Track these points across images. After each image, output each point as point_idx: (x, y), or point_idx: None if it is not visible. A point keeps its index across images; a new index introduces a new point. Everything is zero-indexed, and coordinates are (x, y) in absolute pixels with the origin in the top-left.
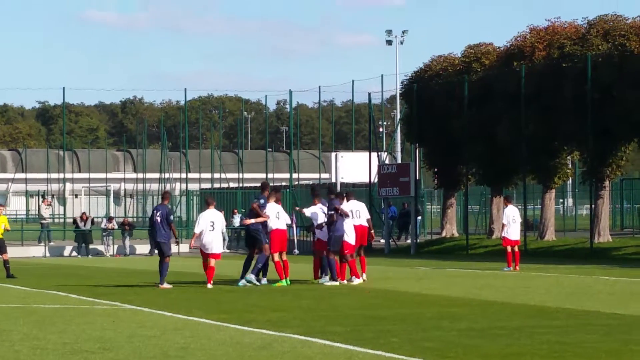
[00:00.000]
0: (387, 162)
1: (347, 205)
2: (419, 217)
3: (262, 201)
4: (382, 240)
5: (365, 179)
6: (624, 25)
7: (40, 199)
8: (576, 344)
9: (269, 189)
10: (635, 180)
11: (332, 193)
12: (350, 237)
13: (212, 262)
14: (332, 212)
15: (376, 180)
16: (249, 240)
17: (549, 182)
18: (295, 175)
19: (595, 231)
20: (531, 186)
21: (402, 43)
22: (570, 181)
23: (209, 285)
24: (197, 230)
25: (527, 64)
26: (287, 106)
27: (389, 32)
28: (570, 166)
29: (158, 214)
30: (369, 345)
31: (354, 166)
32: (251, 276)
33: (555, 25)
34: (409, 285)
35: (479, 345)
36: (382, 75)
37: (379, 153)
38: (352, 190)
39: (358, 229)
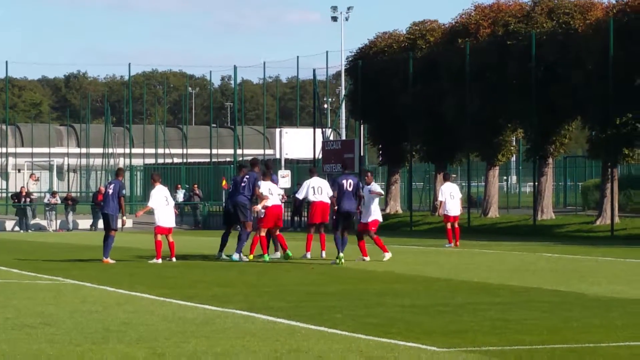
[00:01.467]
0: (331, 138)
1: (310, 182)
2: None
3: (259, 183)
4: None
5: (310, 155)
6: (568, 3)
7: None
8: (518, 320)
9: (259, 165)
10: (579, 158)
11: (345, 168)
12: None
13: (171, 236)
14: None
15: (320, 156)
16: (229, 217)
17: (492, 159)
18: (239, 151)
19: (538, 208)
20: (475, 163)
21: (347, 19)
22: (514, 158)
23: (174, 259)
24: (152, 205)
25: (471, 41)
26: (232, 82)
27: (334, 8)
28: (514, 143)
29: (111, 186)
30: (312, 321)
31: (299, 142)
32: (237, 255)
33: (500, 3)
34: (352, 262)
35: (421, 321)
36: (327, 52)
37: (324, 129)
38: (314, 167)
39: (319, 205)
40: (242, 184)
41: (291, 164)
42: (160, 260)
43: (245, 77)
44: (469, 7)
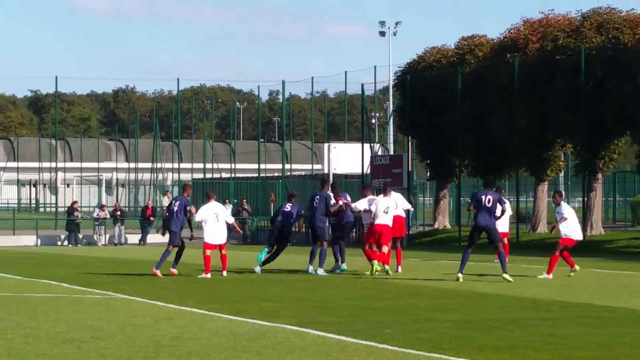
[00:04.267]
0: (379, 153)
1: (389, 198)
2: (411, 209)
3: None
4: None
5: (358, 170)
6: (618, 18)
7: (162, 193)
8: (569, 336)
9: (327, 184)
10: (628, 173)
11: (487, 186)
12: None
13: (224, 250)
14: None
15: (369, 171)
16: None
17: (541, 174)
18: (287, 166)
19: (587, 224)
20: (524, 178)
21: (395, 34)
22: (562, 174)
23: (224, 273)
24: (199, 218)
25: (520, 56)
26: (280, 97)
27: (382, 23)
28: (562, 159)
29: (176, 204)
30: (362, 336)
31: (347, 157)
32: (321, 270)
33: (549, 18)
34: (401, 276)
35: (472, 337)
36: (375, 67)
37: (372, 144)
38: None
39: (395, 219)
40: (314, 204)
41: (339, 178)
42: (209, 275)
43: (292, 92)
44: (518, 22)
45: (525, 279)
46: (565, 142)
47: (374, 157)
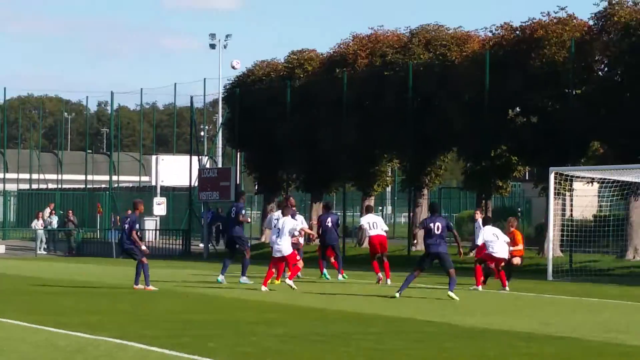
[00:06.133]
0: (207, 166)
1: (366, 218)
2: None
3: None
4: (201, 245)
5: (186, 183)
6: (445, 35)
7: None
8: (391, 350)
9: (243, 197)
10: (453, 189)
11: (434, 211)
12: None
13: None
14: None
15: (196, 184)
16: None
17: (368, 189)
18: (115, 178)
19: (413, 239)
20: (351, 193)
21: (225, 47)
22: (389, 188)
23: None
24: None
25: (349, 71)
26: (108, 108)
27: (213, 35)
28: (390, 173)
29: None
30: (185, 349)
31: (175, 169)
32: (244, 279)
33: (378, 34)
34: (227, 290)
35: (295, 351)
36: (204, 79)
37: (200, 157)
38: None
39: (376, 238)
40: (232, 215)
41: (167, 191)
42: (291, 282)
43: (122, 103)
44: (347, 37)
45: (349, 293)
46: (393, 157)
47: (202, 169)
